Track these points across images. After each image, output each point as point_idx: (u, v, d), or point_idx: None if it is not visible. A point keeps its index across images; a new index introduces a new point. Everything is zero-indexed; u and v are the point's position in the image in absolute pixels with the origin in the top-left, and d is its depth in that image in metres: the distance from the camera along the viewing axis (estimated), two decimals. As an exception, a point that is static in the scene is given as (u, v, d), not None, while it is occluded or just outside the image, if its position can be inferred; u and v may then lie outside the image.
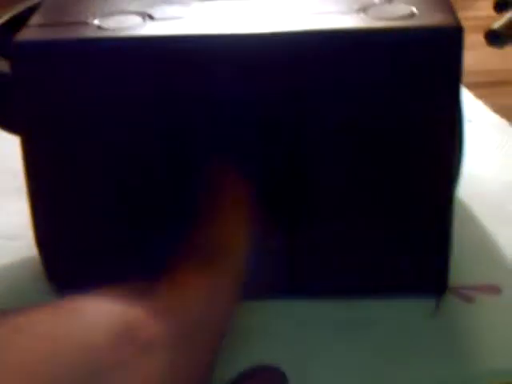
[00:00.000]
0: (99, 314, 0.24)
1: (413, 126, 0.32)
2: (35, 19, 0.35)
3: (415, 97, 0.32)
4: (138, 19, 0.34)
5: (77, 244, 0.36)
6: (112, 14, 0.34)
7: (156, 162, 0.34)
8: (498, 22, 0.70)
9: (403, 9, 0.33)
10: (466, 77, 0.66)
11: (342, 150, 0.33)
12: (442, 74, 0.32)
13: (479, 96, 0.60)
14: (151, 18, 0.34)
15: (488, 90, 0.61)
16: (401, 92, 0.32)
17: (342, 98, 0.32)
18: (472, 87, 0.61)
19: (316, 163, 0.33)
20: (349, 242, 0.35)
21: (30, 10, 0.38)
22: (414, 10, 0.33)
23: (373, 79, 0.31)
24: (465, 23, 0.76)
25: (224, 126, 0.33)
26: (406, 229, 0.35)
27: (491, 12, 0.76)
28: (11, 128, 0.38)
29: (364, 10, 0.33)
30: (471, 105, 0.56)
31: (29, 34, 0.33)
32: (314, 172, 0.34)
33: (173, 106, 0.33)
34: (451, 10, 0.33)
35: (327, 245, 0.35)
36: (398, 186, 0.34)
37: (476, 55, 0.68)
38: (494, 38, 0.69)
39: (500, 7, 0.74)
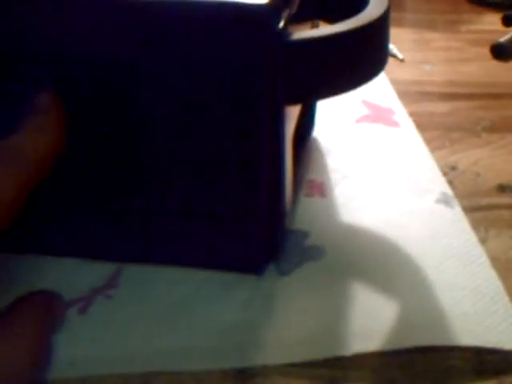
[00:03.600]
0: None
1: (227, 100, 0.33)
2: None
3: (230, 75, 0.32)
4: None
5: None
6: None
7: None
8: (505, 37, 0.71)
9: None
10: (470, 87, 0.67)
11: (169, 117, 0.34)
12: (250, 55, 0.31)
13: (485, 107, 0.61)
14: None
15: (493, 101, 0.62)
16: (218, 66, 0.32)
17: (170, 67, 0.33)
18: (477, 98, 0.63)
19: (147, 126, 0.35)
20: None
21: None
22: None
23: (195, 51, 0.32)
24: (471, 36, 0.78)
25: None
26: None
27: (498, 26, 0.78)
28: None
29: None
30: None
31: None
32: (145, 134, 0.35)
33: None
34: None
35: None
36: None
37: (482, 67, 0.69)
38: (500, 51, 0.71)
39: (507, 21, 0.76)
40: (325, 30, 0.34)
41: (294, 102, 0.35)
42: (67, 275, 0.38)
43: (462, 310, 0.37)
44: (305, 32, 0.34)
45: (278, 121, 0.34)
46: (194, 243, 0.38)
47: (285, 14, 0.33)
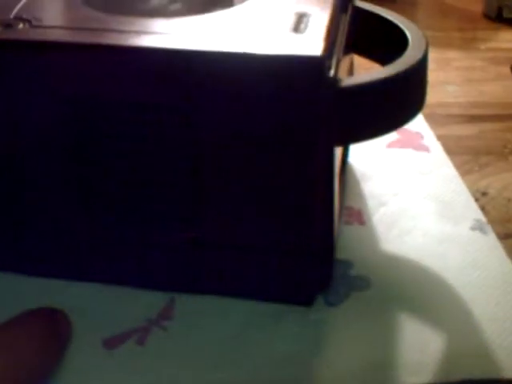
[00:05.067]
0: None
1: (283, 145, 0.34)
2: None
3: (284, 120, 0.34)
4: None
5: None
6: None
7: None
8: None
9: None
10: (495, 109, 0.69)
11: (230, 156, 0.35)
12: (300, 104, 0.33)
13: (502, 129, 0.62)
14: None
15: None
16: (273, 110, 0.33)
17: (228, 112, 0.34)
18: (502, 120, 0.64)
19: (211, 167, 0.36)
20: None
21: None
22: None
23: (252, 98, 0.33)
24: (490, 54, 0.79)
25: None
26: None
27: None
28: None
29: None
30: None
31: None
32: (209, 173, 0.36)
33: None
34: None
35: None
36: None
37: (504, 87, 0.70)
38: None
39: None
40: (373, 74, 0.35)
41: (345, 143, 0.36)
42: (122, 304, 0.40)
43: (507, 342, 0.38)
44: (354, 78, 0.35)
45: (330, 160, 0.35)
46: (245, 274, 0.39)
47: (335, 61, 0.34)
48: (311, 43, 0.32)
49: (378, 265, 0.43)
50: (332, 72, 0.33)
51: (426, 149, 0.56)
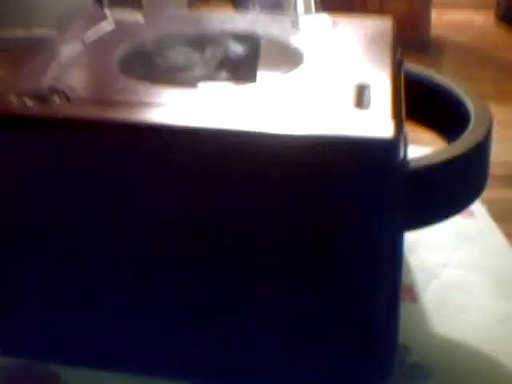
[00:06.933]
0: None
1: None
2: None
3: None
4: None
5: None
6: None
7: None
8: None
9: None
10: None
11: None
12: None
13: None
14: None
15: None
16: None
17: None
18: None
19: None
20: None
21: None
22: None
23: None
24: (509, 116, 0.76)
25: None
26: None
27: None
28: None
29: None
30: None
31: None
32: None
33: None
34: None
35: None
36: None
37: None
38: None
39: None
40: (440, 155, 0.33)
41: (414, 227, 0.33)
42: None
43: None
44: (422, 158, 0.32)
45: (398, 246, 0.32)
46: (310, 368, 0.36)
47: (403, 138, 0.31)
48: (379, 121, 0.30)
49: (436, 350, 0.40)
50: (402, 152, 0.30)
51: (471, 214, 0.53)
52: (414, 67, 0.41)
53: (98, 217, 0.33)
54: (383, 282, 0.32)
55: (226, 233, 0.32)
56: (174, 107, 0.32)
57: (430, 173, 0.31)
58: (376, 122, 0.30)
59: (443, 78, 0.39)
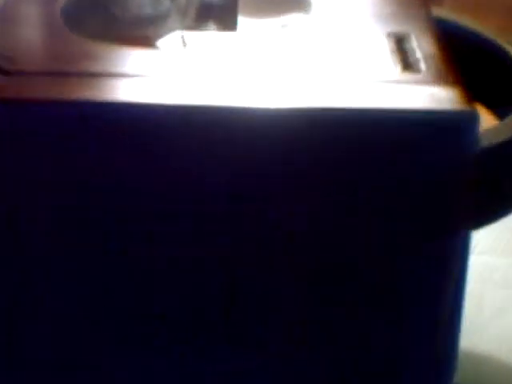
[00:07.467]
0: None
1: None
2: None
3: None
4: None
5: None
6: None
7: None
8: None
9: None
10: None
11: None
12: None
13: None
14: None
15: None
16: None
17: None
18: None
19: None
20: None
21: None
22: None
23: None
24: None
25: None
26: None
27: None
28: None
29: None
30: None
31: None
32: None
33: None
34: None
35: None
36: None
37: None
38: None
39: None
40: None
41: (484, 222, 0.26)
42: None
43: None
44: (490, 133, 0.25)
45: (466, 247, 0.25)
46: None
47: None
48: (444, 90, 0.22)
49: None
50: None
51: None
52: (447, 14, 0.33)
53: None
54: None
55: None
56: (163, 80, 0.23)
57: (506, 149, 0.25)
58: (440, 91, 0.22)
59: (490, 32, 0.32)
